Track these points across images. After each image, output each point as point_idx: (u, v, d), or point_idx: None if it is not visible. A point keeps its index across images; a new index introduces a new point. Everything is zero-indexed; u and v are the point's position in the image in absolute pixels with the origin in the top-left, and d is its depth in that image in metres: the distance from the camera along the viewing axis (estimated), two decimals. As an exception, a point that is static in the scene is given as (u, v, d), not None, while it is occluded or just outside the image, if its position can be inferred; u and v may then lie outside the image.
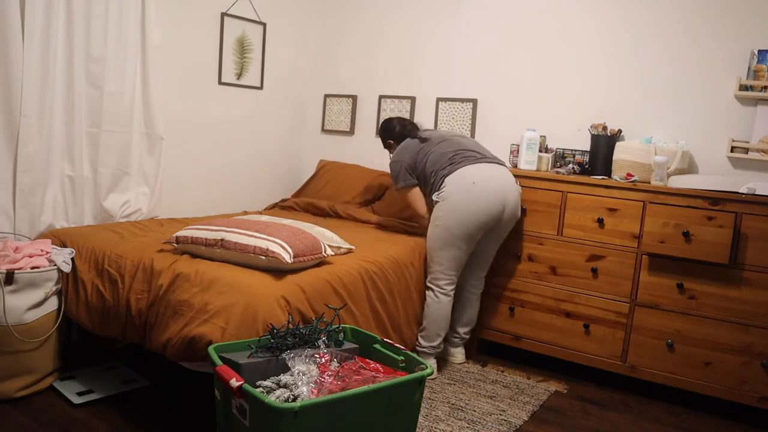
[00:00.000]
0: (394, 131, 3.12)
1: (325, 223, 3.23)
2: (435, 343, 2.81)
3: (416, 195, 2.94)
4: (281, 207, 3.71)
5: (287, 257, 2.16)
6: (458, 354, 3.04)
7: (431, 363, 2.81)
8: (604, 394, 2.81)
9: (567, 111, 3.32)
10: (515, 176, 2.95)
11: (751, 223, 2.51)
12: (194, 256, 2.34)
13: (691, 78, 3.00)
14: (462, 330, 3.03)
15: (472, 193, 2.67)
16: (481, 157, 2.81)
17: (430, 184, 2.85)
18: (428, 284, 2.83)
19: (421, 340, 2.81)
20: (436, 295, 2.79)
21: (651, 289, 2.72)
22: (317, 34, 4.15)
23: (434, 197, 2.78)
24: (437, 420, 2.41)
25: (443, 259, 2.75)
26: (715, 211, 2.54)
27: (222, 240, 2.26)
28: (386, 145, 3.19)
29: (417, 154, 2.92)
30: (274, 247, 2.17)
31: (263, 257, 2.16)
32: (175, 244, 2.38)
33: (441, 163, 2.80)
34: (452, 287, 2.81)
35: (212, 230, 2.32)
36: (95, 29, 2.81)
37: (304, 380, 1.74)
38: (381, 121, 3.44)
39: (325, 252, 2.37)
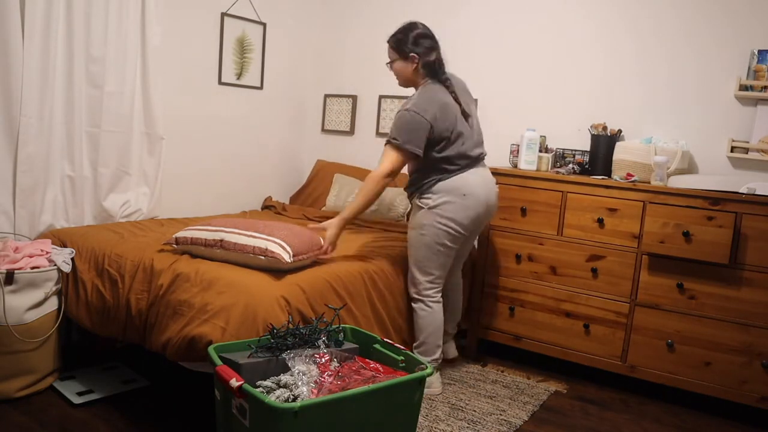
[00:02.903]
0: (426, 50, 2.48)
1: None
2: (436, 356, 2.64)
3: (400, 164, 2.44)
4: (276, 212, 3.70)
5: (286, 257, 2.16)
6: (450, 349, 2.92)
7: (436, 379, 2.67)
8: (604, 394, 2.81)
9: (567, 111, 3.32)
10: (515, 176, 2.95)
11: (751, 223, 2.51)
12: (194, 256, 2.34)
13: (691, 78, 3.00)
14: (450, 326, 2.89)
15: (461, 204, 2.48)
16: (475, 158, 2.55)
17: (425, 170, 2.49)
18: (414, 296, 2.62)
19: (419, 357, 2.32)
20: (427, 306, 2.60)
21: (651, 289, 2.72)
22: (317, 34, 4.15)
23: (419, 201, 2.52)
24: (437, 420, 2.41)
25: (432, 268, 2.56)
26: (715, 211, 2.54)
27: (221, 240, 2.26)
28: (403, 56, 2.49)
29: (448, 122, 2.42)
30: (273, 247, 2.17)
31: (262, 257, 2.17)
32: (174, 245, 2.38)
33: (449, 160, 2.47)
34: (441, 292, 2.65)
35: (211, 230, 2.32)
36: (95, 29, 2.80)
37: (304, 380, 1.74)
38: (405, 27, 2.53)
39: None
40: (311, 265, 2.36)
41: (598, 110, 3.22)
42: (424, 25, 2.52)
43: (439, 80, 2.48)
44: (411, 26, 2.51)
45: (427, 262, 2.55)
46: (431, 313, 2.60)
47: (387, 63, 2.56)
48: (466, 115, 2.52)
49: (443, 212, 2.47)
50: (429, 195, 2.48)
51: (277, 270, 2.21)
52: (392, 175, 2.44)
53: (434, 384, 2.65)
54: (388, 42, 2.53)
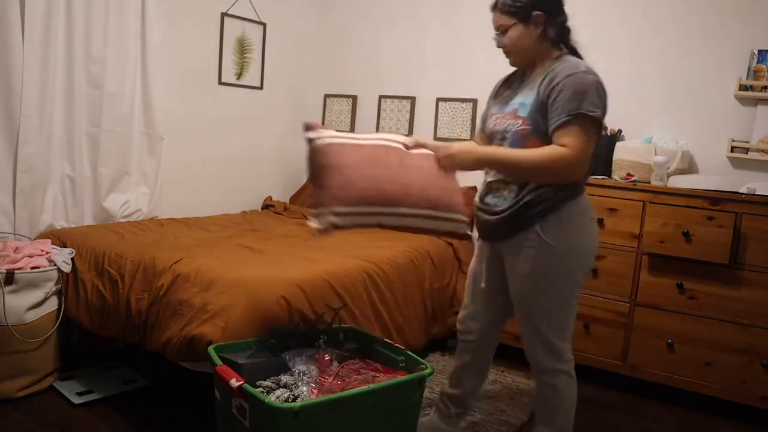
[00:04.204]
0: (555, 6, 1.83)
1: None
2: None
3: (591, 151, 1.75)
4: (276, 212, 3.70)
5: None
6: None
7: None
8: (604, 394, 2.81)
9: (567, 111, 3.31)
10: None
11: (751, 223, 2.51)
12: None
13: (691, 78, 3.00)
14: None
15: (595, 234, 1.90)
16: None
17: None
18: (556, 368, 1.87)
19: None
20: (571, 375, 1.88)
21: (651, 289, 2.71)
22: (317, 34, 4.15)
23: (543, 231, 1.77)
24: (437, 420, 2.41)
25: (571, 325, 1.87)
26: (715, 211, 2.53)
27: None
28: (523, 17, 1.79)
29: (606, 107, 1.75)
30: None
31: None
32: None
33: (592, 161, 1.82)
34: None
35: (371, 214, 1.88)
36: (95, 29, 2.80)
37: (304, 380, 1.74)
38: None
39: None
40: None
41: (598, 110, 3.22)
42: None
43: (577, 55, 1.85)
44: None
45: (569, 321, 1.85)
46: (574, 382, 1.90)
47: (495, 35, 1.85)
48: None
49: (586, 246, 1.81)
50: (565, 223, 1.76)
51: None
52: (586, 163, 1.74)
53: None
54: (496, 6, 1.83)
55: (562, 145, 1.67)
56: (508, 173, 1.79)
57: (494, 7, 1.84)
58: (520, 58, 1.86)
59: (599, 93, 1.71)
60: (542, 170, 1.70)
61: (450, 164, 1.83)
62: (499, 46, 1.86)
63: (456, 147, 1.83)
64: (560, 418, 1.89)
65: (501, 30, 1.83)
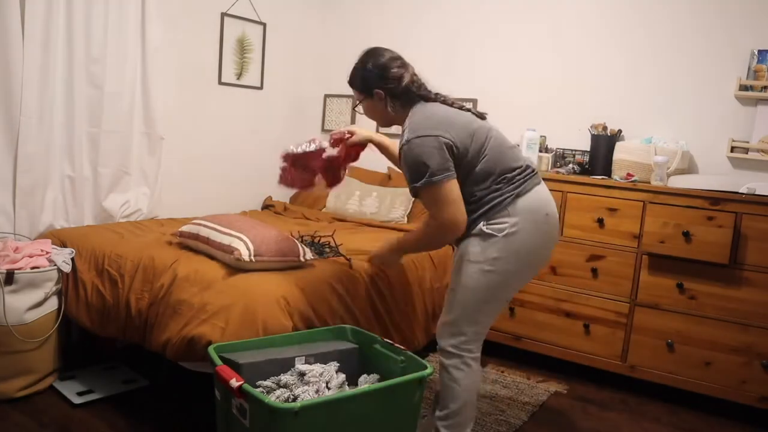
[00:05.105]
0: (394, 77, 1.94)
1: (318, 226, 3.24)
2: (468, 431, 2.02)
3: (455, 191, 1.83)
4: (276, 212, 3.70)
5: (246, 254, 2.16)
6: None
7: None
8: (604, 394, 2.81)
9: (567, 111, 3.32)
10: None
11: (751, 223, 2.51)
12: (193, 249, 2.42)
13: (691, 78, 3.00)
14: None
15: (544, 229, 1.92)
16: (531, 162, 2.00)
17: (480, 192, 1.87)
18: (450, 350, 1.96)
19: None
20: (465, 363, 1.95)
21: (651, 289, 2.71)
22: (317, 34, 4.15)
23: (486, 227, 1.87)
24: (437, 420, 2.41)
25: (486, 316, 1.95)
26: (715, 211, 2.54)
27: (197, 234, 2.38)
28: (367, 94, 1.98)
29: (468, 128, 1.86)
30: (236, 244, 2.21)
31: (225, 253, 2.22)
32: (178, 237, 2.49)
33: (505, 164, 1.88)
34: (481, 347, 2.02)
35: (195, 225, 2.44)
36: (95, 29, 2.80)
37: (304, 380, 1.74)
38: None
39: (304, 257, 2.31)
40: (284, 267, 2.28)
41: (598, 110, 3.22)
42: (382, 50, 2.01)
43: (425, 99, 1.95)
44: (365, 58, 2.00)
45: (483, 306, 1.92)
46: (471, 372, 1.96)
47: (354, 107, 2.00)
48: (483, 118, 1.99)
49: (524, 241, 1.87)
50: (504, 218, 1.86)
51: (242, 269, 2.19)
52: (455, 215, 1.83)
53: None
54: (349, 81, 2.04)
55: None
56: (413, 252, 2.19)
57: (349, 84, 2.06)
58: (381, 123, 2.09)
59: (429, 153, 1.80)
60: (426, 244, 2.01)
61: (381, 264, 2.15)
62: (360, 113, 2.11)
63: (375, 250, 2.13)
64: (452, 405, 1.96)
65: (356, 103, 2.07)
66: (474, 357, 1.97)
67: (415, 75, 1.99)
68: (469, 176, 1.86)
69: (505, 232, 1.85)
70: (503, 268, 1.88)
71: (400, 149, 1.87)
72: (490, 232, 1.86)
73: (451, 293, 1.97)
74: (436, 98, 1.96)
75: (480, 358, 2.01)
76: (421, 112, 1.90)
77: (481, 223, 1.87)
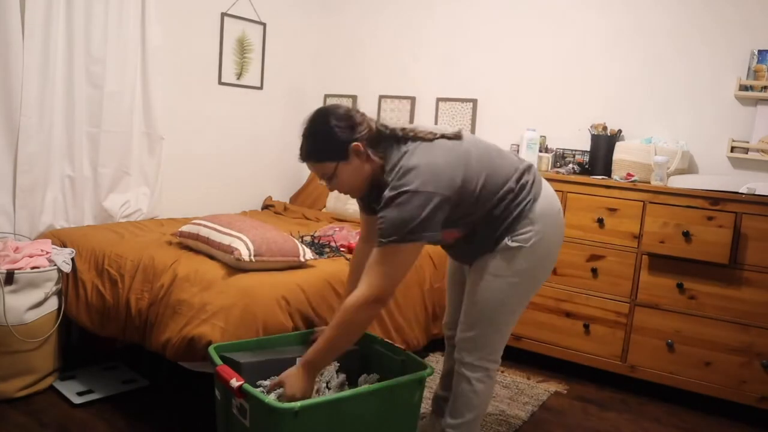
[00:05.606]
0: (362, 122, 1.72)
1: (319, 226, 3.24)
2: None
3: (413, 256, 1.66)
4: (276, 212, 3.70)
5: (246, 254, 2.18)
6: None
7: None
8: (604, 394, 2.81)
9: (567, 111, 3.32)
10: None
11: (751, 223, 2.51)
12: (193, 249, 2.42)
13: (691, 78, 3.00)
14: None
15: (560, 226, 1.87)
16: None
17: (497, 210, 1.76)
18: (477, 363, 1.86)
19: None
20: (489, 375, 1.88)
21: (651, 289, 2.71)
22: (317, 34, 4.15)
23: (511, 241, 1.77)
24: (437, 420, 2.41)
25: (512, 324, 1.89)
26: (715, 211, 2.54)
27: (197, 234, 2.39)
28: (342, 156, 1.70)
29: (463, 166, 1.70)
30: (237, 244, 2.21)
31: (225, 253, 2.23)
32: (178, 237, 2.50)
33: (504, 175, 1.78)
34: None
35: (195, 225, 2.46)
36: (95, 29, 2.81)
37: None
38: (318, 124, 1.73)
39: (304, 257, 2.34)
40: (283, 268, 2.29)
41: (598, 110, 3.22)
42: (331, 105, 1.76)
43: (398, 140, 1.73)
44: (322, 119, 1.71)
45: (510, 318, 1.86)
46: (491, 384, 1.91)
47: (321, 182, 1.78)
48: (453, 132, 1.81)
49: (547, 246, 1.81)
50: (527, 227, 1.77)
51: (242, 269, 2.21)
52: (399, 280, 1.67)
53: None
54: (309, 157, 1.73)
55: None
56: (329, 362, 1.75)
57: (306, 160, 1.74)
58: (363, 186, 1.77)
59: (431, 213, 1.61)
60: (345, 335, 1.67)
61: (300, 398, 1.63)
62: (332, 190, 1.79)
63: (286, 392, 1.65)
64: (469, 415, 1.88)
65: (327, 177, 1.74)
66: (497, 368, 1.90)
67: (364, 116, 1.76)
68: (477, 203, 1.73)
69: (531, 242, 1.76)
70: (531, 275, 1.81)
71: (397, 194, 1.60)
72: (517, 245, 1.76)
73: (472, 307, 1.84)
74: (405, 134, 1.72)
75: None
76: (424, 159, 1.65)
77: (506, 238, 1.76)
